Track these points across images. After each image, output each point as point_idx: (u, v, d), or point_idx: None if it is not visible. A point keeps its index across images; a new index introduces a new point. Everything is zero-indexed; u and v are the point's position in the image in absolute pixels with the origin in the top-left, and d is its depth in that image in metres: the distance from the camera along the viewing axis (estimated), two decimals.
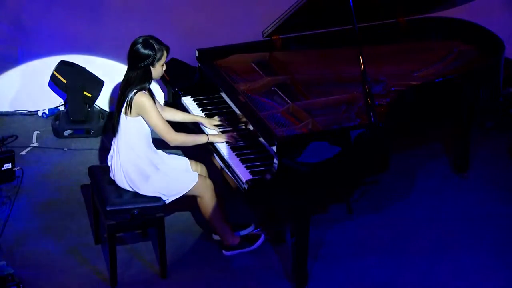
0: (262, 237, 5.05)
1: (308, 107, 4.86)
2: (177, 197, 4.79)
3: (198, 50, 5.40)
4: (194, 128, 5.08)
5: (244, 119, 4.87)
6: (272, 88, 5.12)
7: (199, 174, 4.83)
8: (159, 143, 4.83)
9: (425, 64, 5.39)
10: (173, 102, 5.45)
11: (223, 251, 5.01)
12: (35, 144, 6.23)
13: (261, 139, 4.61)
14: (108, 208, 4.66)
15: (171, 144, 4.74)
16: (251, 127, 4.75)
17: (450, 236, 5.24)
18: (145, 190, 4.72)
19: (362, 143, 4.55)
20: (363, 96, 4.71)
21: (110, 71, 6.49)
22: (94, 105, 6.47)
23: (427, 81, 5.16)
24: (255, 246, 5.02)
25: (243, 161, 4.66)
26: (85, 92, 6.28)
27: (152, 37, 4.63)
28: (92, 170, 5.00)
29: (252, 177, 4.49)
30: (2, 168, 5.51)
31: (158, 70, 4.64)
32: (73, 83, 6.26)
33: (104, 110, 6.61)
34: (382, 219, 5.39)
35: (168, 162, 4.85)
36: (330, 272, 4.90)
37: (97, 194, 4.83)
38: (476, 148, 6.10)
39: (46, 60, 6.48)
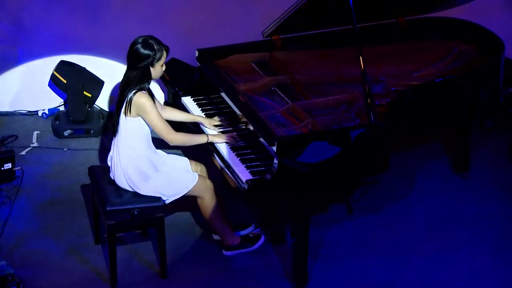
0: (263, 238, 5.05)
1: (308, 107, 4.85)
2: (177, 197, 4.79)
3: (198, 50, 5.40)
4: (194, 128, 5.07)
5: (244, 119, 4.87)
6: (272, 88, 5.12)
7: (199, 175, 4.83)
8: (159, 143, 4.83)
9: (425, 64, 5.39)
10: (173, 102, 5.45)
11: (223, 251, 5.01)
12: (35, 144, 6.23)
13: (261, 139, 4.61)
14: (108, 208, 4.65)
15: (171, 144, 4.73)
16: (251, 127, 4.75)
17: (450, 236, 5.23)
18: (145, 190, 4.72)
19: (362, 143, 4.55)
20: (363, 96, 4.71)
21: (110, 71, 6.49)
22: (94, 105, 6.47)
23: (427, 81, 5.16)
24: (255, 246, 5.02)
25: (243, 161, 4.66)
26: (85, 92, 6.28)
27: (151, 37, 4.62)
28: (92, 170, 4.99)
29: (252, 177, 4.49)
30: (2, 168, 5.51)
31: (157, 70, 4.64)
32: (73, 83, 6.26)
33: (104, 110, 6.61)
34: (382, 219, 5.39)
35: (168, 162, 4.85)
36: (330, 272, 4.89)
37: (97, 194, 4.83)
38: (476, 148, 6.10)
39: (46, 60, 6.48)
